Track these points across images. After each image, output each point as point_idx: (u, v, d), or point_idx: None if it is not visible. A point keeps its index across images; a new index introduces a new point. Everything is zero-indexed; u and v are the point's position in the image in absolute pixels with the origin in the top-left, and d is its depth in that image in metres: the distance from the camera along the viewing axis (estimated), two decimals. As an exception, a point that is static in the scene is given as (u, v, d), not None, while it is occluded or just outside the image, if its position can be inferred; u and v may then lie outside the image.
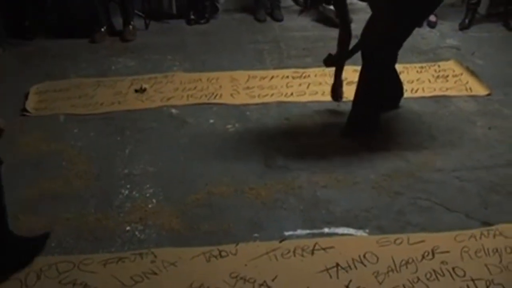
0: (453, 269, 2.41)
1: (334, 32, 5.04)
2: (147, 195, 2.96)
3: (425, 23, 5.17)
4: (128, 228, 2.73)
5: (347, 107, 3.50)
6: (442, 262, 2.44)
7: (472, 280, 2.34)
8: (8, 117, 3.65)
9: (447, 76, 4.17)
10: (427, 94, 3.93)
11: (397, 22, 3.12)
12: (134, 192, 2.98)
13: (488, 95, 3.91)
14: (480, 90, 3.97)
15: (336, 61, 3.51)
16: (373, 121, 3.45)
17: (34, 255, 2.52)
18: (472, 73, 4.19)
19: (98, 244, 2.63)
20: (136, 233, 2.70)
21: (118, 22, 5.22)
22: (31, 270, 2.45)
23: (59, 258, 2.53)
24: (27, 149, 3.37)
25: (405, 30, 3.25)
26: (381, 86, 3.36)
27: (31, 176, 3.09)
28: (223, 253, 2.51)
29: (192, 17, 5.42)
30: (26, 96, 3.96)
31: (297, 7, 5.78)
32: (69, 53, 4.75)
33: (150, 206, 2.87)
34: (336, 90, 3.64)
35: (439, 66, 4.33)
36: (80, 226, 2.74)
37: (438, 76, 4.17)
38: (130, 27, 5.09)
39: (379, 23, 3.17)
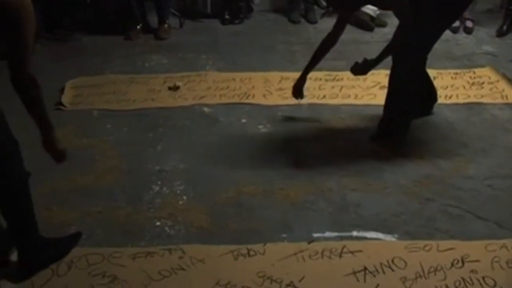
0: (483, 278, 2.38)
1: (368, 36, 5.08)
2: (178, 191, 2.98)
3: (461, 29, 5.12)
4: (157, 223, 2.76)
5: (379, 111, 3.48)
6: (472, 271, 2.41)
7: (502, 290, 2.32)
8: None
9: (483, 83, 4.12)
10: (461, 100, 3.88)
11: (422, 27, 3.09)
12: (164, 189, 3.01)
13: (525, 103, 3.85)
14: (516, 98, 3.91)
15: (362, 70, 3.44)
16: (403, 126, 3.43)
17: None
18: (509, 80, 4.12)
19: (128, 238, 2.66)
20: (166, 228, 2.72)
21: (153, 20, 5.27)
22: (62, 260, 2.50)
23: (90, 250, 2.57)
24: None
25: (431, 34, 3.22)
26: (411, 91, 3.34)
27: (64, 169, 3.10)
28: (251, 252, 2.53)
29: (227, 17, 5.45)
30: (61, 91, 4.04)
31: (332, 10, 5.75)
32: (104, 49, 4.82)
33: (180, 202, 2.90)
34: (299, 88, 3.63)
35: (474, 72, 4.27)
36: (111, 220, 2.78)
37: (473, 83, 4.12)
38: (165, 25, 5.14)
39: (405, 28, 3.14)
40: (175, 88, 4.04)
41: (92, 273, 2.44)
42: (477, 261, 2.47)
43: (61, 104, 3.86)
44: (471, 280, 2.37)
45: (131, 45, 4.94)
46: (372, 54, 4.56)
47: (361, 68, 3.42)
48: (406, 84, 3.29)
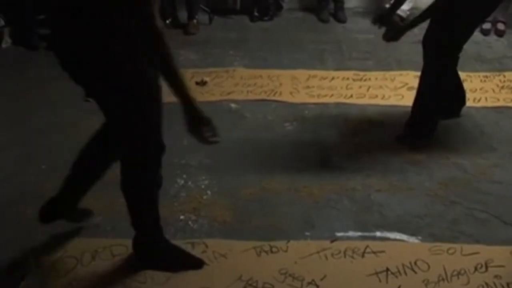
0: (507, 284, 2.35)
1: (398, 36, 5.03)
2: (202, 186, 3.00)
3: (492, 32, 5.05)
4: (181, 217, 2.78)
5: (406, 112, 3.46)
6: (496, 276, 2.39)
7: (526, 296, 2.29)
8: (73, 103, 3.80)
9: (513, 87, 4.08)
10: (490, 104, 3.84)
11: (454, 22, 3.05)
12: (189, 183, 3.03)
13: (555, 108, 3.80)
14: (546, 102, 3.86)
15: (395, 36, 3.35)
16: (430, 127, 3.40)
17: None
18: (539, 84, 4.07)
19: (152, 230, 2.69)
20: (189, 222, 2.75)
21: (182, 15, 5.30)
22: (86, 250, 2.53)
23: (114, 241, 2.60)
24: (88, 134, 3.46)
25: (463, 30, 3.18)
26: (440, 91, 3.30)
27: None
28: (274, 249, 2.53)
29: (256, 14, 5.46)
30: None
31: (361, 9, 5.72)
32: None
33: (204, 197, 2.92)
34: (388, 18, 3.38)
35: (504, 76, 4.22)
36: (136, 212, 2.81)
37: (503, 86, 4.07)
38: (194, 21, 5.17)
39: (437, 24, 3.10)
40: (202, 83, 4.06)
41: (116, 264, 2.47)
42: (502, 266, 2.44)
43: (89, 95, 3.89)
44: (494, 285, 2.35)
45: (160, 39, 4.96)
46: (401, 55, 4.57)
47: (393, 35, 3.34)
48: (436, 83, 3.26)
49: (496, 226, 2.73)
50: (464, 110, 3.70)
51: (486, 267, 2.44)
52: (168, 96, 3.83)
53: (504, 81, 4.14)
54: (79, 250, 2.54)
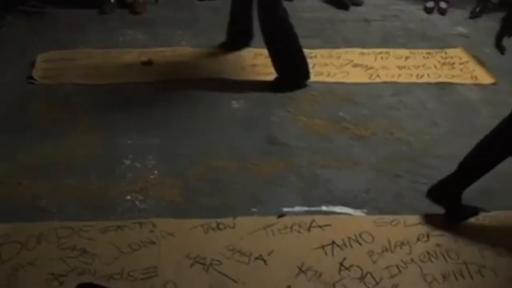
0: (447, 252, 2.44)
1: (344, 14, 5.08)
2: (149, 166, 2.99)
3: (435, 10, 5.15)
4: (128, 197, 2.76)
5: (352, 89, 3.49)
6: (437, 245, 2.47)
7: (465, 263, 2.37)
8: (15, 85, 3.73)
9: (454, 63, 4.16)
10: (432, 80, 3.93)
11: None
12: (136, 163, 3.01)
13: (494, 84, 3.90)
14: (486, 78, 3.96)
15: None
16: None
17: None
18: (479, 61, 4.17)
19: (99, 212, 2.67)
20: (137, 202, 2.73)
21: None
22: (31, 234, 2.48)
23: (59, 223, 2.56)
24: (32, 116, 3.40)
25: None
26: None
27: (35, 142, 3.13)
28: (221, 226, 2.55)
29: (203, -7, 5.40)
30: (33, 64, 3.99)
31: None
32: (78, 23, 4.75)
33: (151, 177, 2.91)
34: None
35: (446, 53, 4.32)
36: (82, 194, 2.78)
37: (444, 63, 4.16)
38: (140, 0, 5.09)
39: None
40: (148, 63, 4.02)
41: (62, 247, 2.44)
42: (442, 235, 2.53)
43: (32, 77, 3.81)
44: (435, 253, 2.43)
45: (105, 19, 4.88)
46: (349, 34, 4.62)
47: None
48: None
49: (438, 198, 2.81)
50: (407, 86, 3.79)
51: (428, 237, 2.52)
52: (117, 77, 3.84)
53: (446, 58, 4.24)
54: (24, 234, 2.49)
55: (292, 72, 3.76)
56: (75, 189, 2.81)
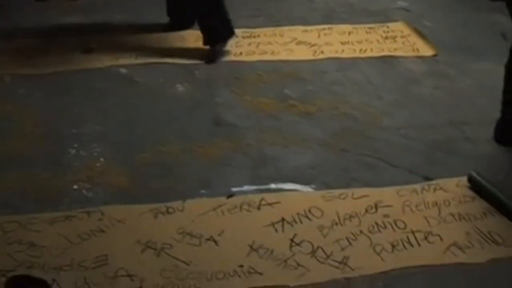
0: (394, 222, 2.48)
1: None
2: (95, 154, 2.94)
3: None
4: (75, 187, 2.72)
5: (296, 67, 3.51)
6: (385, 216, 2.52)
7: (412, 232, 2.43)
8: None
9: (395, 37, 4.22)
10: (375, 54, 3.98)
11: None
12: (81, 152, 2.96)
13: (434, 55, 3.98)
14: (426, 50, 4.04)
15: None
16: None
17: None
18: (420, 34, 4.25)
19: (45, 203, 2.61)
20: (84, 191, 2.69)
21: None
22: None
23: (4, 218, 2.49)
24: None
25: None
26: None
27: (-24, 136, 3.04)
28: (170, 210, 2.54)
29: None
30: (-31, 56, 3.86)
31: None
32: (14, 11, 4.61)
33: (98, 165, 2.86)
34: None
35: (388, 27, 4.37)
36: (27, 186, 2.72)
37: (386, 37, 4.22)
38: (78, -15, 4.97)
39: None
40: (89, 50, 3.94)
41: (8, 241, 2.37)
42: (390, 206, 2.57)
43: (-32, 70, 3.70)
44: (383, 224, 2.47)
45: (43, 6, 4.74)
46: (292, 12, 4.62)
47: None
48: None
49: (384, 169, 2.87)
50: (351, 61, 3.83)
51: (376, 208, 2.56)
52: (58, 65, 3.75)
53: (388, 32, 4.30)
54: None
55: (216, 29, 3.84)
56: (20, 182, 2.73)
